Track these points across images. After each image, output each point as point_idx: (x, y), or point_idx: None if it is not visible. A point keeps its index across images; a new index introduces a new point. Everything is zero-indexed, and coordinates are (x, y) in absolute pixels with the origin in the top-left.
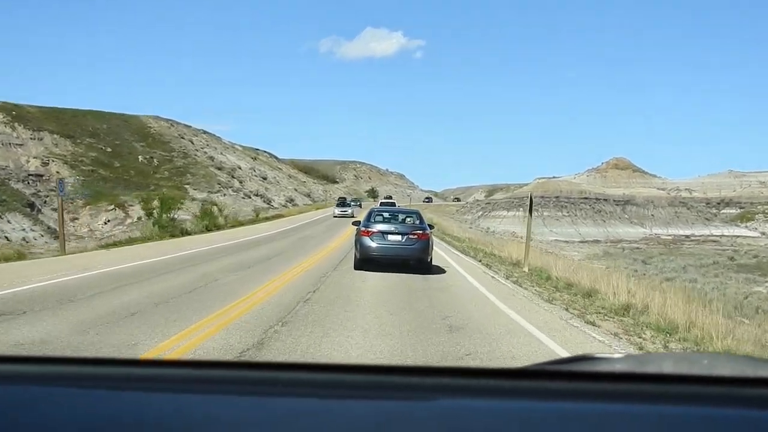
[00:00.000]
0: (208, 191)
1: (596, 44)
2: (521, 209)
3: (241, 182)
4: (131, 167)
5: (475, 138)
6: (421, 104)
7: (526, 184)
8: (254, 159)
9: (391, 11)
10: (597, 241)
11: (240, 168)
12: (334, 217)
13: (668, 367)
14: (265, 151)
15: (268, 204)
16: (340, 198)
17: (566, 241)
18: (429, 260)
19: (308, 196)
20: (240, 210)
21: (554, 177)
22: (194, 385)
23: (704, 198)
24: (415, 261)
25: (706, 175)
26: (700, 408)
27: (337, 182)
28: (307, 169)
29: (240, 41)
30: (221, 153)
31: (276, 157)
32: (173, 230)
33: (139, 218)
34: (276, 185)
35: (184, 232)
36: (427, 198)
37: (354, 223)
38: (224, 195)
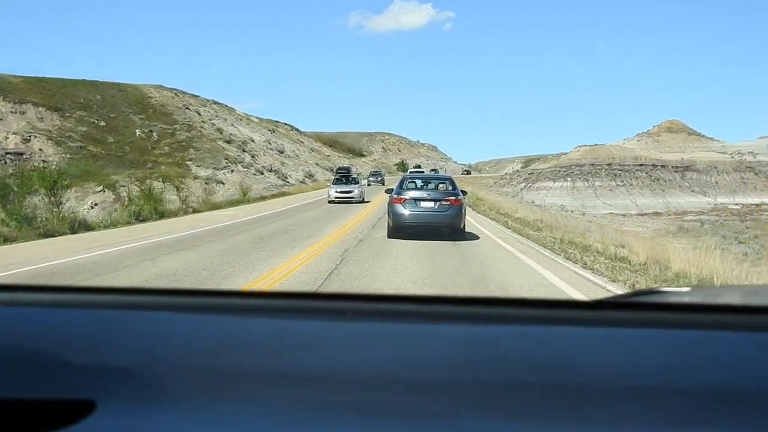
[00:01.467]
0: (214, 168)
1: (632, 6)
2: (569, 179)
3: (253, 156)
4: (127, 143)
5: (508, 109)
6: (452, 77)
7: (565, 154)
8: (272, 132)
9: None
10: (658, 214)
11: (253, 141)
12: (329, 202)
13: (736, 299)
14: (286, 124)
15: (283, 180)
16: (339, 170)
17: (623, 215)
18: (462, 227)
19: (331, 170)
20: (250, 187)
21: (596, 145)
22: (278, 312)
23: None
24: (449, 228)
25: None
26: None
27: (364, 155)
28: (332, 142)
29: (268, 17)
30: (232, 125)
31: (298, 130)
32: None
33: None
34: (295, 159)
35: (85, 227)
36: (465, 171)
37: (387, 191)
38: (232, 171)
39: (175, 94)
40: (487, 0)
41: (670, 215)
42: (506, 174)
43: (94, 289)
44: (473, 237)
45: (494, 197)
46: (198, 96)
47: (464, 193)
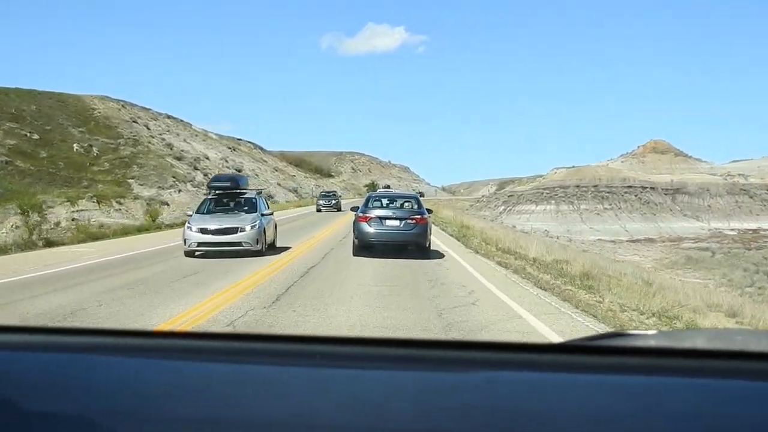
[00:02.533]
0: (159, 186)
1: (598, 31)
2: (552, 202)
3: (206, 175)
4: (62, 158)
5: (482, 131)
6: (424, 99)
7: (542, 176)
8: (232, 149)
9: (392, 7)
10: (650, 240)
11: (208, 158)
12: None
13: (701, 343)
14: (249, 142)
15: None
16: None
17: (612, 241)
18: (427, 245)
19: (294, 191)
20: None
21: (573, 167)
22: (238, 357)
23: (764, 184)
24: (414, 246)
25: (761, 158)
26: (734, 382)
27: (332, 176)
28: (298, 161)
29: (241, 40)
30: (185, 140)
31: (261, 148)
32: None
33: (57, 223)
34: (254, 179)
35: None
36: (419, 192)
37: (352, 209)
38: (179, 191)
39: (122, 106)
40: (459, 23)
41: (664, 242)
42: (483, 196)
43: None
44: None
45: (482, 224)
46: (149, 109)
47: (429, 211)
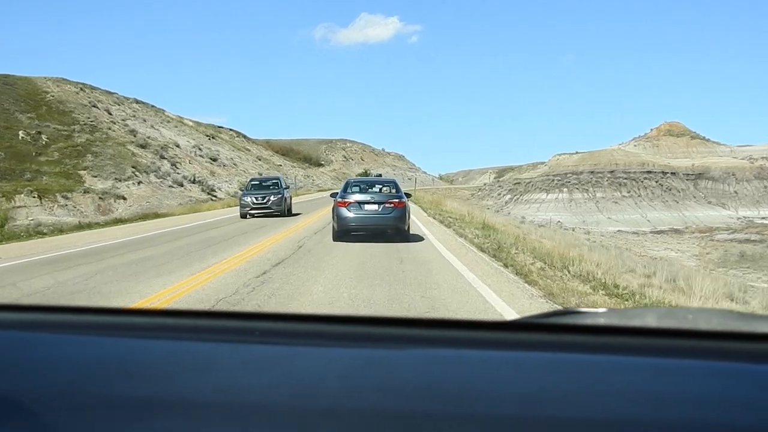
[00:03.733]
0: (116, 178)
1: (596, 11)
2: (565, 190)
3: (174, 164)
4: (4, 147)
5: (478, 119)
6: (419, 88)
7: (542, 163)
8: (211, 138)
9: None
10: (677, 231)
11: (178, 146)
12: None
13: (651, 321)
14: (231, 129)
15: (209, 193)
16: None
17: (634, 232)
18: (406, 228)
19: None
20: (160, 203)
21: (578, 152)
22: (175, 333)
23: None
24: (393, 229)
25: None
26: (682, 360)
27: (322, 165)
28: (286, 150)
29: (232, 31)
30: (152, 126)
31: (245, 136)
32: None
33: None
34: (232, 169)
35: None
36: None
37: (332, 195)
38: (139, 183)
39: (81, 89)
40: (453, 12)
41: (693, 233)
42: (485, 185)
43: None
44: None
45: (500, 220)
46: (114, 93)
47: (408, 195)
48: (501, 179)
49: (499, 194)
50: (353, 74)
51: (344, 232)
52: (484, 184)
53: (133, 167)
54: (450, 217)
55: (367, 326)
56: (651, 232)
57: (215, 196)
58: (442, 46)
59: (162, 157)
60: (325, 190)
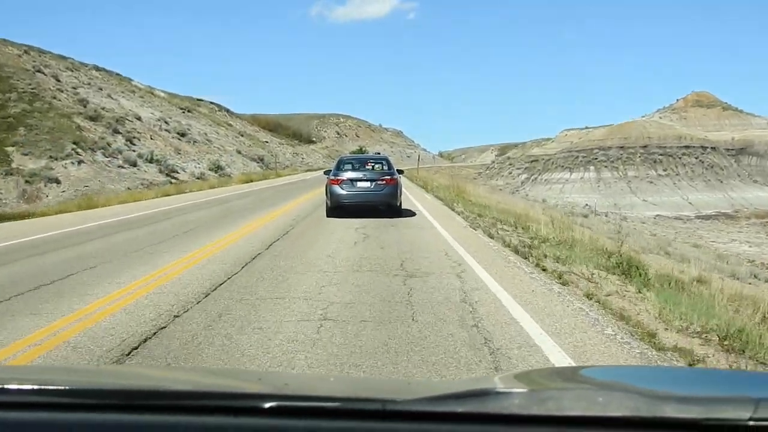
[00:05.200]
0: (51, 156)
1: None
2: (591, 168)
3: (131, 140)
4: None
5: (478, 95)
6: (417, 64)
7: (549, 139)
8: (186, 111)
9: None
10: (727, 216)
11: (139, 119)
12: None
13: (567, 406)
14: (212, 103)
15: (168, 174)
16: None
17: (677, 218)
18: (398, 204)
19: (260, 160)
20: (102, 188)
21: (586, 128)
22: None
23: None
24: (385, 206)
25: None
26: None
27: (313, 141)
28: (274, 125)
29: (228, 10)
30: (109, 96)
31: (228, 110)
32: None
33: None
34: (204, 145)
35: None
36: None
37: (325, 173)
38: (79, 163)
39: (25, 51)
40: None
41: (749, 218)
42: (493, 162)
43: None
44: None
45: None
46: (68, 58)
47: (400, 172)
48: (512, 156)
49: (510, 173)
50: (350, 50)
51: (337, 208)
52: (492, 162)
53: (74, 143)
54: (476, 210)
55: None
56: (697, 217)
57: (176, 178)
58: (439, 21)
59: (116, 132)
60: (315, 170)
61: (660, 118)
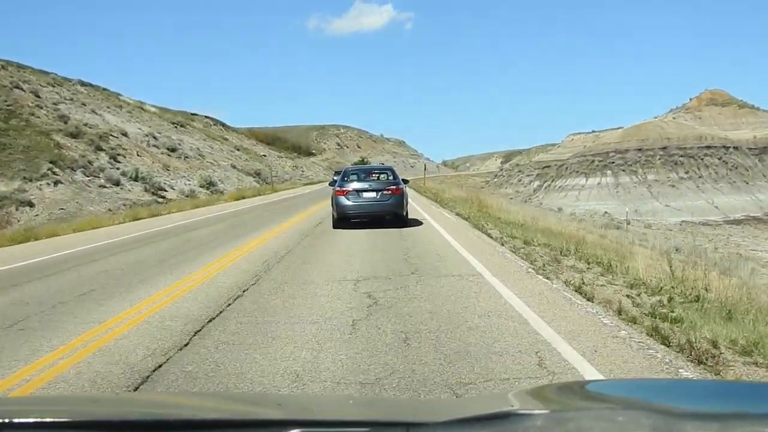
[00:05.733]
0: (25, 177)
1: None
2: (608, 172)
3: (115, 158)
4: None
5: (480, 104)
6: (417, 74)
7: (554, 145)
8: (179, 126)
9: None
10: (758, 220)
11: (125, 134)
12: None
13: (587, 426)
14: (207, 117)
15: (154, 193)
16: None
17: (703, 223)
18: (405, 214)
19: (257, 174)
20: (80, 210)
21: (593, 132)
22: None
23: None
24: (392, 215)
25: None
26: None
27: (313, 153)
28: (272, 138)
29: (225, 24)
30: (93, 112)
31: (224, 124)
32: None
33: None
34: (196, 161)
35: None
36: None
37: (330, 184)
38: (56, 183)
39: (2, 66)
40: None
41: None
42: (500, 170)
43: None
44: None
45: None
46: (51, 73)
47: (406, 182)
48: (520, 163)
49: (519, 180)
50: (348, 62)
51: (343, 219)
52: (500, 169)
53: (51, 162)
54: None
55: None
56: (726, 222)
57: (162, 197)
58: (436, 31)
59: (99, 149)
60: (315, 183)
61: (674, 118)
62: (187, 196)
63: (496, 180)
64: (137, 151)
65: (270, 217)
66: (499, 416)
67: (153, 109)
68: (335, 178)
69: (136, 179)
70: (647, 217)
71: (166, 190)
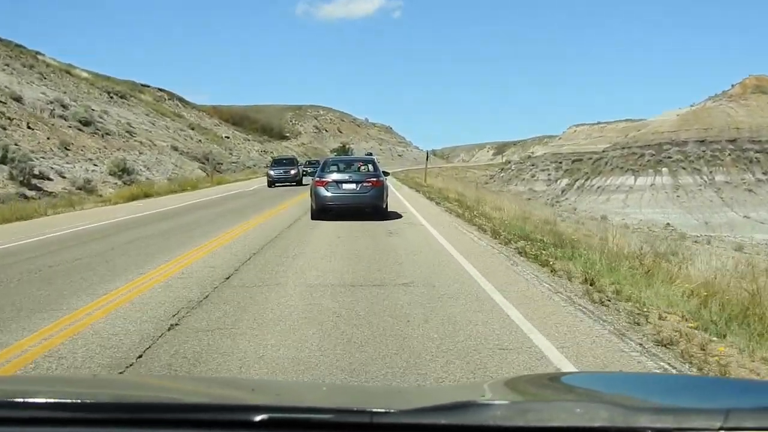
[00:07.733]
0: None
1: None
2: (664, 170)
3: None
4: None
5: (471, 93)
6: (406, 61)
7: (554, 137)
8: (119, 96)
9: None
10: None
11: (19, 100)
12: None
13: (547, 417)
14: (161, 89)
15: (27, 183)
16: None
17: None
18: (384, 206)
19: (205, 159)
20: None
21: (599, 123)
22: None
23: None
24: (371, 208)
25: None
26: None
27: (287, 137)
28: (239, 118)
29: (215, 8)
30: None
31: (182, 99)
32: None
33: None
34: (120, 139)
35: None
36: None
37: (310, 174)
38: None
39: None
40: None
41: None
42: (509, 162)
43: None
44: None
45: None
46: None
47: (386, 174)
48: (540, 155)
49: (533, 176)
50: (336, 47)
51: (322, 210)
52: (508, 162)
53: None
54: None
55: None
56: None
57: (40, 189)
58: (425, 19)
59: None
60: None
61: (714, 106)
62: (80, 188)
63: (503, 175)
64: (28, 122)
65: (102, 269)
66: (459, 406)
67: (84, 74)
68: (271, 172)
69: (3, 162)
70: (724, 232)
71: (50, 179)
